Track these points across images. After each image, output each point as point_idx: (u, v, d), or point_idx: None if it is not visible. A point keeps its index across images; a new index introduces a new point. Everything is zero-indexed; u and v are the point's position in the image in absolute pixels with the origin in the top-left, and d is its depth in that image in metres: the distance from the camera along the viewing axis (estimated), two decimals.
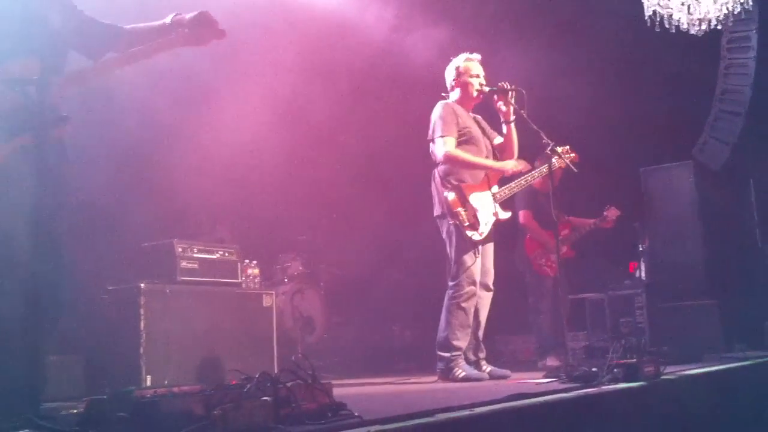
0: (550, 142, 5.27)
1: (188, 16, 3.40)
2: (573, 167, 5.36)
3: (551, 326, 6.80)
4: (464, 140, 5.32)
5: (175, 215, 6.56)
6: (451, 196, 5.16)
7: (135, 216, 5.92)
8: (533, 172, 5.69)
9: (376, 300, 8.21)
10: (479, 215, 5.19)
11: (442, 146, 5.24)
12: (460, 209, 5.14)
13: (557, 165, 5.42)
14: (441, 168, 5.30)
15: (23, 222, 2.84)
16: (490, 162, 5.35)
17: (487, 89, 5.45)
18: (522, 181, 5.55)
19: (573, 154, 5.59)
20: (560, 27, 7.99)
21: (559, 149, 5.38)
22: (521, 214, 6.91)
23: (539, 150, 5.55)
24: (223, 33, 3.45)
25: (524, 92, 5.33)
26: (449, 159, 5.22)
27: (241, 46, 5.82)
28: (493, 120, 5.61)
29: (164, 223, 6.21)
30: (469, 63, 5.52)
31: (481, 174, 5.34)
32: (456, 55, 5.61)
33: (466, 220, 5.12)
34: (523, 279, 7.06)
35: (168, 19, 3.43)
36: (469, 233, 5.13)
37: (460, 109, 5.42)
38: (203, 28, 3.38)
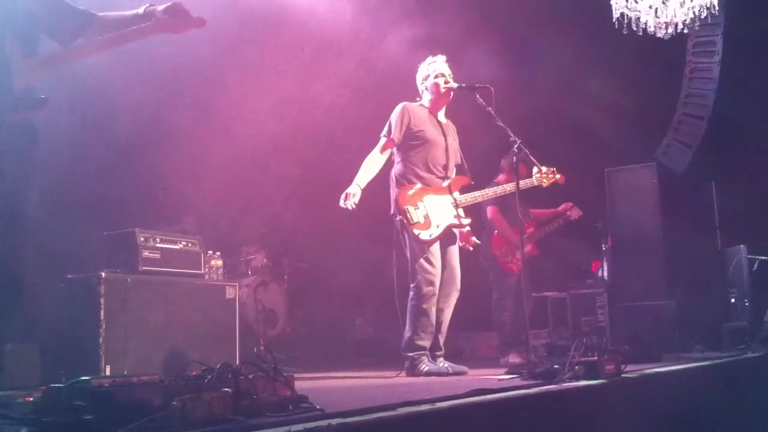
0: (516, 139, 5.30)
1: (160, 7, 3.36)
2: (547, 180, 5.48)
3: (514, 323, 6.84)
4: (417, 143, 5.33)
5: (138, 204, 6.48)
6: (402, 193, 5.20)
7: (97, 204, 5.84)
8: (504, 186, 5.74)
9: (339, 294, 8.20)
10: (431, 216, 5.20)
11: (376, 146, 5.35)
12: (409, 206, 5.17)
13: (544, 184, 5.54)
14: (396, 167, 5.35)
15: None
16: (360, 178, 5.27)
17: (455, 86, 5.46)
18: (489, 192, 5.60)
19: (559, 175, 5.66)
20: (528, 26, 8.03)
21: (545, 169, 5.48)
22: (489, 209, 6.94)
23: (506, 147, 5.58)
24: (202, 22, 3.40)
25: (492, 89, 5.34)
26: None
27: (216, 38, 5.78)
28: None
29: (127, 212, 6.12)
30: (432, 64, 5.53)
31: (440, 177, 5.34)
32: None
33: (413, 218, 5.14)
34: (486, 275, 7.09)
35: (141, 10, 3.39)
36: (416, 231, 5.15)
37: (419, 111, 5.43)
38: (176, 18, 3.33)
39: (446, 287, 5.29)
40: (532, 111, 7.70)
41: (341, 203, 5.17)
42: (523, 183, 5.54)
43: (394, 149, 5.40)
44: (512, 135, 5.26)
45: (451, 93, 5.46)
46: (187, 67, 5.92)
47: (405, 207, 5.17)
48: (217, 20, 3.75)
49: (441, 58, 5.55)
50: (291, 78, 7.27)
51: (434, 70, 5.48)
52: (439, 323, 5.27)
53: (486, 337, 7.81)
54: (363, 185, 5.25)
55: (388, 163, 5.46)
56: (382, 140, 5.38)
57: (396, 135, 5.32)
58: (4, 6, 3.05)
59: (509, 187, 5.62)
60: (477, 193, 5.52)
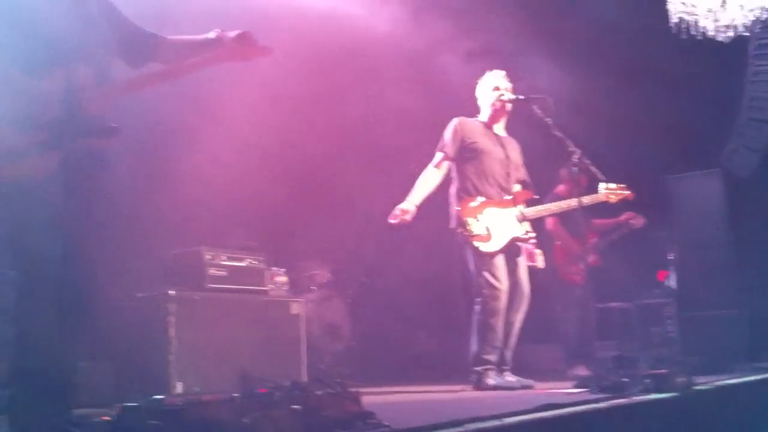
0: (576, 150, 5.26)
1: (231, 34, 3.41)
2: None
3: (578, 335, 6.75)
4: (469, 156, 5.32)
5: (203, 223, 6.59)
6: (463, 206, 5.19)
7: (162, 223, 5.96)
8: (569, 200, 5.64)
9: (402, 307, 8.20)
10: (492, 229, 5.17)
11: (431, 161, 5.36)
12: (470, 219, 5.14)
13: (612, 200, 5.49)
14: (454, 183, 5.36)
15: (54, 232, 2.87)
16: (413, 196, 5.27)
17: (512, 98, 5.44)
18: (554, 207, 5.54)
19: (628, 192, 5.60)
20: (585, 34, 7.94)
21: (614, 186, 5.43)
22: (548, 220, 6.88)
23: (565, 158, 5.53)
24: (269, 50, 3.46)
25: (551, 100, 5.32)
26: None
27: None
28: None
29: (192, 231, 6.23)
30: (489, 79, 5.52)
31: (498, 191, 5.30)
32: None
33: (474, 231, 5.12)
34: (549, 287, 7.02)
35: (211, 34, 3.43)
36: (477, 244, 5.12)
37: (473, 124, 5.43)
38: (246, 46, 3.39)
39: (515, 300, 5.24)
40: (587, 117, 7.60)
41: (390, 219, 5.18)
42: (590, 199, 5.49)
43: (452, 165, 5.39)
44: (572, 145, 5.23)
45: (510, 107, 5.44)
46: (240, 86, 6.00)
47: (465, 219, 5.16)
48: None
49: (499, 73, 5.55)
50: (345, 92, 7.32)
51: (491, 84, 5.49)
52: (507, 337, 5.23)
53: (550, 350, 7.72)
54: (417, 202, 5.23)
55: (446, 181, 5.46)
56: (437, 155, 5.38)
57: (449, 149, 5.32)
58: (75, 29, 3.12)
59: (574, 202, 5.53)
60: (542, 207, 5.48)
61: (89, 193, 3.13)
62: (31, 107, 2.90)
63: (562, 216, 6.81)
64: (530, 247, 5.38)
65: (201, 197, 6.22)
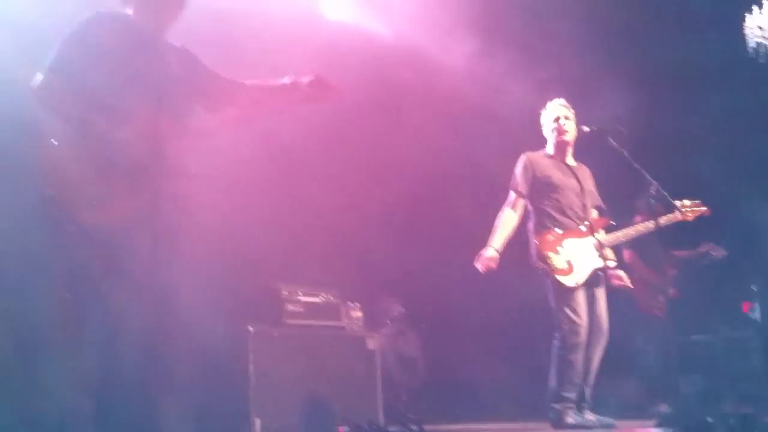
0: (653, 181, 5.19)
1: (305, 79, 3.50)
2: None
3: (660, 370, 6.59)
4: (544, 191, 5.28)
5: (279, 259, 6.70)
6: (540, 241, 5.14)
7: (240, 260, 6.08)
8: (646, 223, 5.48)
9: (479, 341, 8.14)
10: (574, 261, 5.10)
11: (506, 202, 5.35)
12: (549, 253, 5.08)
13: (689, 218, 5.38)
14: (532, 219, 5.32)
15: (141, 277, 2.98)
16: (494, 240, 5.24)
17: (586, 129, 5.40)
18: (632, 231, 5.42)
19: (704, 208, 5.47)
20: (659, 61, 7.82)
21: (689, 203, 5.32)
22: (626, 254, 6.76)
23: (641, 189, 5.46)
24: (342, 92, 3.55)
25: (625, 131, 5.26)
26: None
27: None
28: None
29: (269, 267, 6.34)
30: (550, 109, 5.48)
31: (577, 221, 5.25)
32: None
33: (555, 265, 5.05)
34: (629, 320, 6.87)
35: (286, 80, 3.52)
36: (560, 278, 5.05)
37: (542, 158, 5.39)
38: (320, 90, 3.48)
39: (594, 335, 5.13)
40: (667, 145, 7.47)
41: (476, 265, 5.17)
42: (667, 219, 5.38)
43: (526, 202, 5.36)
44: (648, 177, 5.16)
45: (572, 136, 5.40)
46: (309, 121, 6.12)
47: (546, 253, 5.10)
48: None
49: (558, 101, 5.50)
50: (417, 124, 7.37)
51: (552, 115, 5.45)
52: (586, 373, 5.13)
53: (631, 385, 7.53)
54: (499, 247, 5.20)
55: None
56: (511, 195, 5.36)
57: (523, 187, 5.29)
58: (156, 78, 3.25)
59: (652, 224, 5.39)
60: (620, 233, 5.37)
61: (172, 235, 3.24)
62: (117, 154, 3.04)
63: (639, 248, 6.70)
64: (615, 271, 5.30)
65: (276, 233, 6.33)
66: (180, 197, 3.27)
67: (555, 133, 5.39)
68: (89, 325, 3.07)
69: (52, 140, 3.04)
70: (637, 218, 6.82)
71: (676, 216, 5.40)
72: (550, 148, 5.46)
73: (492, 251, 5.18)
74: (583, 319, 5.04)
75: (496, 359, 8.45)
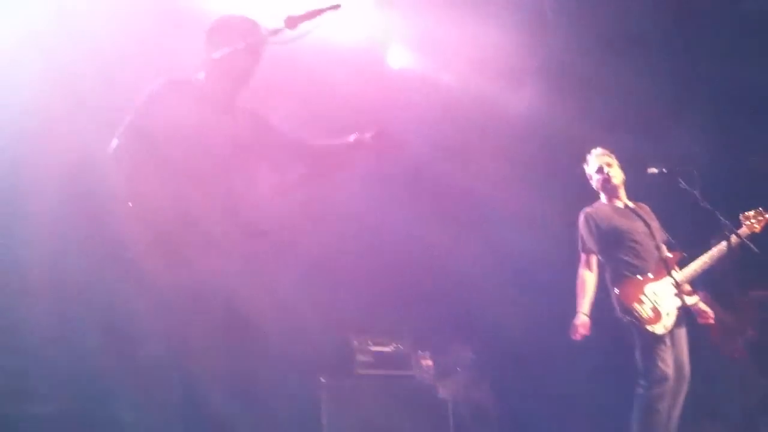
0: (726, 222, 5.08)
1: (368, 135, 3.56)
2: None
3: (743, 415, 6.36)
4: (613, 240, 5.21)
5: (349, 309, 6.75)
6: (622, 292, 5.04)
7: (311, 311, 6.14)
8: (718, 246, 5.26)
9: (552, 388, 8.00)
10: (659, 307, 4.98)
11: (580, 264, 5.30)
12: (635, 305, 4.97)
13: (756, 229, 5.21)
14: (608, 270, 5.24)
15: (217, 337, 3.04)
16: (583, 305, 5.17)
17: (654, 171, 5.32)
18: (707, 259, 5.27)
19: None
20: (731, 96, 7.66)
21: (752, 212, 5.19)
22: (700, 295, 6.58)
23: (714, 230, 5.33)
24: (405, 145, 3.61)
25: (696, 171, 5.17)
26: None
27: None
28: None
29: (340, 318, 6.39)
30: (593, 161, 5.45)
31: (652, 263, 5.16)
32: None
33: (643, 315, 4.94)
34: (707, 364, 6.66)
35: (351, 138, 3.58)
36: (649, 327, 4.92)
37: (602, 210, 5.33)
38: (384, 143, 3.54)
39: (676, 381, 4.98)
40: (741, 181, 7.28)
41: (573, 337, 5.13)
42: (735, 240, 5.23)
43: (598, 256, 5.30)
44: (722, 217, 5.06)
45: (623, 178, 5.35)
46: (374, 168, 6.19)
47: (632, 306, 4.99)
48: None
49: (597, 151, 5.48)
50: (481, 170, 7.38)
51: (597, 165, 5.41)
52: (668, 420, 4.97)
53: (713, 430, 7.30)
54: (588, 311, 5.15)
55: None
56: (582, 257, 5.31)
57: (591, 244, 5.24)
58: (228, 141, 3.35)
59: (724, 246, 5.18)
60: (695, 264, 5.23)
61: (245, 293, 3.30)
62: (191, 215, 3.13)
63: (715, 290, 6.51)
64: (697, 306, 5.17)
65: (346, 285, 6.39)
66: (251, 255, 3.34)
67: (602, 183, 5.35)
68: (167, 383, 3.14)
69: (129, 203, 3.14)
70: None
71: (743, 231, 5.23)
72: (603, 197, 5.41)
73: (583, 318, 5.13)
74: (670, 367, 4.91)
75: (571, 408, 8.29)
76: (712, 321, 5.20)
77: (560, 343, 7.53)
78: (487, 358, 7.90)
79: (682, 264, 5.25)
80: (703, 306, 5.20)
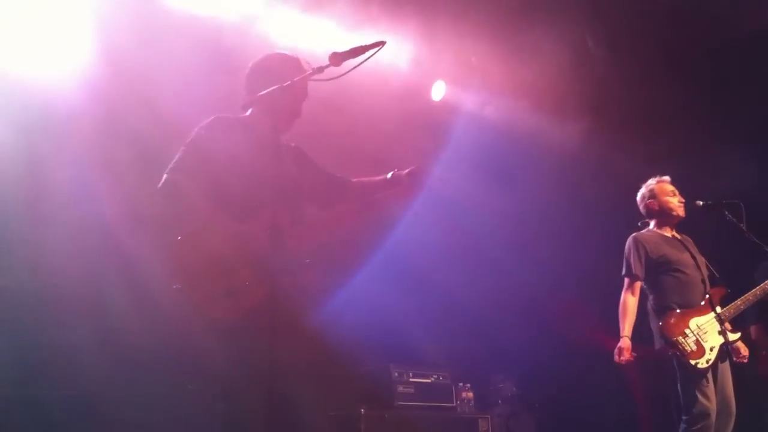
0: None
1: (404, 171, 3.62)
2: None
3: None
4: (662, 270, 5.16)
5: (391, 340, 6.76)
6: (666, 324, 4.97)
7: (352, 342, 6.17)
8: (764, 284, 5.21)
9: (593, 420, 7.90)
10: (703, 341, 4.91)
11: (624, 288, 5.21)
12: (679, 338, 4.91)
13: None
14: (651, 299, 5.17)
15: (258, 372, 3.07)
16: (626, 329, 5.09)
17: (700, 204, 5.29)
18: (750, 297, 5.21)
19: None
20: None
21: None
22: (752, 330, 6.44)
23: (760, 260, 5.26)
24: (444, 181, 3.64)
25: (741, 204, 5.12)
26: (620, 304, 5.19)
27: None
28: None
29: (381, 349, 6.40)
30: (662, 184, 5.41)
31: (698, 296, 5.09)
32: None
33: (687, 348, 4.87)
34: (759, 403, 6.48)
35: (388, 175, 3.65)
36: (692, 362, 4.85)
37: (652, 237, 5.28)
38: (421, 180, 3.58)
39: (721, 417, 4.89)
40: None
41: (617, 359, 5.06)
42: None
43: (643, 284, 5.25)
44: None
45: (683, 213, 5.31)
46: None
47: (676, 339, 4.92)
48: None
49: (666, 178, 5.45)
50: (524, 199, 7.37)
51: (666, 190, 5.37)
52: None
53: None
54: (629, 334, 5.10)
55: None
56: (626, 281, 5.25)
57: (639, 271, 5.18)
58: (274, 176, 3.40)
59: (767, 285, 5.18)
60: (739, 302, 5.16)
61: (290, 325, 3.33)
62: (238, 248, 3.18)
63: (766, 321, 6.37)
64: (737, 344, 5.09)
65: (389, 315, 6.40)
66: (297, 288, 3.38)
67: (672, 207, 5.30)
68: (212, 415, 3.17)
69: (178, 237, 3.21)
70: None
71: None
72: (659, 223, 5.37)
73: (628, 341, 5.06)
74: (713, 402, 4.82)
75: None
76: (745, 360, 5.11)
77: (602, 377, 7.51)
78: (528, 391, 7.85)
79: (725, 301, 5.18)
80: (741, 345, 5.12)
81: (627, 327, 5.10)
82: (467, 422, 5.98)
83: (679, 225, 5.44)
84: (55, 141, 4.81)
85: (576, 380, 7.76)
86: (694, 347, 4.86)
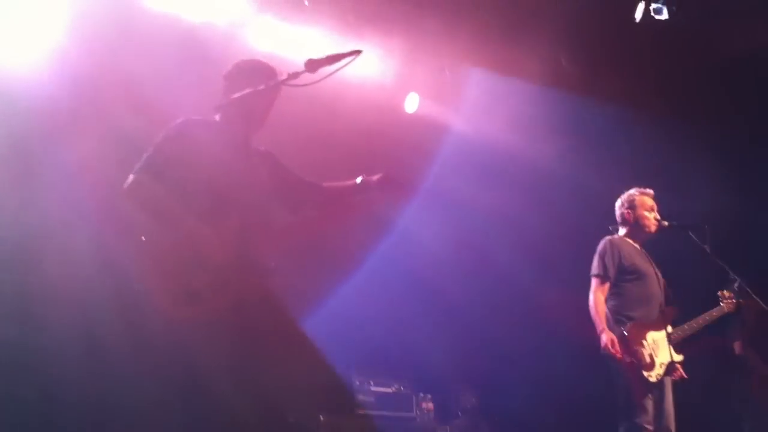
0: (736, 278, 5.08)
1: (375, 177, 3.62)
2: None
3: None
4: (631, 278, 5.21)
5: (352, 349, 6.75)
6: (631, 332, 5.02)
7: (312, 349, 6.15)
8: (711, 311, 5.30)
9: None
10: (655, 356, 4.98)
11: (591, 288, 5.21)
12: (637, 348, 4.96)
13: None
14: (610, 303, 5.20)
15: (225, 374, 3.05)
16: (604, 324, 5.08)
17: (666, 224, 5.35)
18: (694, 324, 5.25)
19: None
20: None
21: (727, 293, 5.19)
22: (737, 345, 6.49)
23: (723, 283, 5.33)
24: (413, 188, 3.65)
25: (706, 227, 5.19)
26: (590, 303, 5.18)
27: None
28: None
29: (341, 357, 6.38)
30: (644, 197, 5.45)
31: (656, 311, 5.16)
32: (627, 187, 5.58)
33: (642, 360, 4.93)
34: (742, 421, 6.52)
35: (358, 180, 3.65)
36: (645, 373, 4.92)
37: (626, 245, 5.32)
38: (390, 187, 3.58)
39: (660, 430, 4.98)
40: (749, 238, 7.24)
41: (612, 349, 5.02)
42: (719, 310, 5.23)
43: (611, 287, 5.28)
44: (732, 273, 5.06)
45: (655, 230, 5.35)
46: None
47: (635, 348, 4.98)
48: None
49: (649, 192, 5.48)
50: (496, 215, 7.40)
51: (646, 204, 5.41)
52: None
53: None
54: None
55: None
56: (596, 280, 5.26)
57: (611, 272, 5.21)
58: (243, 180, 3.40)
59: (716, 312, 5.27)
60: (686, 326, 5.23)
61: (255, 329, 3.31)
62: (206, 250, 3.16)
63: (752, 338, 6.40)
64: (678, 364, 5.16)
65: (349, 324, 6.39)
66: (261, 291, 3.37)
67: (647, 223, 5.34)
68: (173, 415, 3.15)
69: (142, 237, 3.18)
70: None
71: (722, 309, 5.25)
72: (631, 233, 5.40)
73: (610, 333, 5.07)
74: (651, 416, 4.92)
75: None
76: (678, 378, 5.17)
77: (564, 391, 7.55)
78: (488, 403, 7.87)
79: (676, 322, 5.24)
80: (680, 367, 5.17)
81: (603, 322, 5.12)
82: None
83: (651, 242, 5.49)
84: (35, 136, 4.76)
85: (537, 393, 7.80)
86: (648, 360, 4.94)
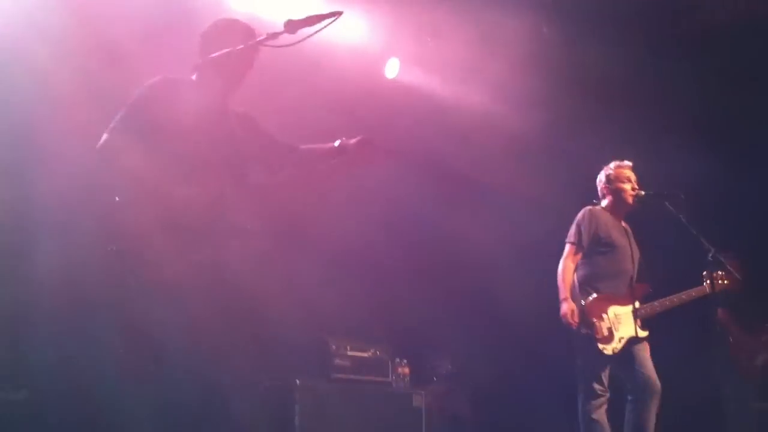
0: (710, 248, 5.11)
1: (353, 141, 3.59)
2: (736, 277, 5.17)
3: None
4: (605, 250, 5.23)
5: (328, 313, 6.75)
6: (588, 304, 5.06)
7: (289, 312, 6.14)
8: (690, 291, 5.29)
9: (528, 399, 8.01)
10: (614, 330, 5.04)
11: (563, 254, 5.25)
12: (594, 320, 5.01)
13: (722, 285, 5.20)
14: (579, 273, 5.23)
15: (191, 336, 3.04)
16: (567, 292, 5.13)
17: (642, 194, 5.36)
18: (667, 302, 5.27)
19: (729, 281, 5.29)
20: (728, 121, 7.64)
21: (720, 273, 5.19)
22: (720, 312, 6.53)
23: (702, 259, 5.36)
24: (392, 154, 3.63)
25: (682, 196, 5.20)
26: (559, 269, 5.22)
27: None
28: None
29: (318, 321, 6.38)
30: (621, 170, 5.45)
31: (624, 286, 5.20)
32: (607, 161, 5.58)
33: (599, 333, 4.99)
34: (720, 388, 6.59)
35: (336, 143, 3.62)
36: (600, 346, 4.98)
37: (605, 217, 5.34)
38: (368, 151, 3.56)
39: (646, 394, 4.97)
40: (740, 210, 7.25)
41: (570, 320, 5.04)
42: (697, 292, 5.25)
43: (582, 257, 5.31)
44: (706, 243, 5.09)
45: (632, 202, 5.36)
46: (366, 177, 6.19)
47: (591, 320, 5.03)
48: None
49: (627, 164, 5.48)
50: (476, 184, 7.39)
51: (622, 176, 5.42)
52: None
53: None
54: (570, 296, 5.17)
55: None
56: (570, 247, 5.28)
57: (585, 241, 5.23)
58: (220, 140, 3.36)
59: (694, 292, 5.27)
60: (656, 303, 5.26)
61: (231, 290, 3.28)
62: (180, 211, 3.13)
63: (736, 308, 6.44)
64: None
65: (327, 287, 6.38)
66: (238, 252, 3.34)
67: (625, 195, 5.35)
68: (147, 380, 3.14)
69: (116, 197, 3.14)
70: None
71: (704, 289, 5.26)
72: (612, 207, 5.41)
73: (570, 303, 5.09)
74: (605, 386, 5.04)
75: (545, 419, 8.29)
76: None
77: (539, 358, 7.61)
78: (464, 369, 7.92)
79: (646, 298, 5.27)
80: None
81: (567, 290, 5.16)
82: (401, 397, 6.01)
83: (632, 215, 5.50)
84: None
85: (512, 361, 7.85)
86: (606, 333, 5.00)
